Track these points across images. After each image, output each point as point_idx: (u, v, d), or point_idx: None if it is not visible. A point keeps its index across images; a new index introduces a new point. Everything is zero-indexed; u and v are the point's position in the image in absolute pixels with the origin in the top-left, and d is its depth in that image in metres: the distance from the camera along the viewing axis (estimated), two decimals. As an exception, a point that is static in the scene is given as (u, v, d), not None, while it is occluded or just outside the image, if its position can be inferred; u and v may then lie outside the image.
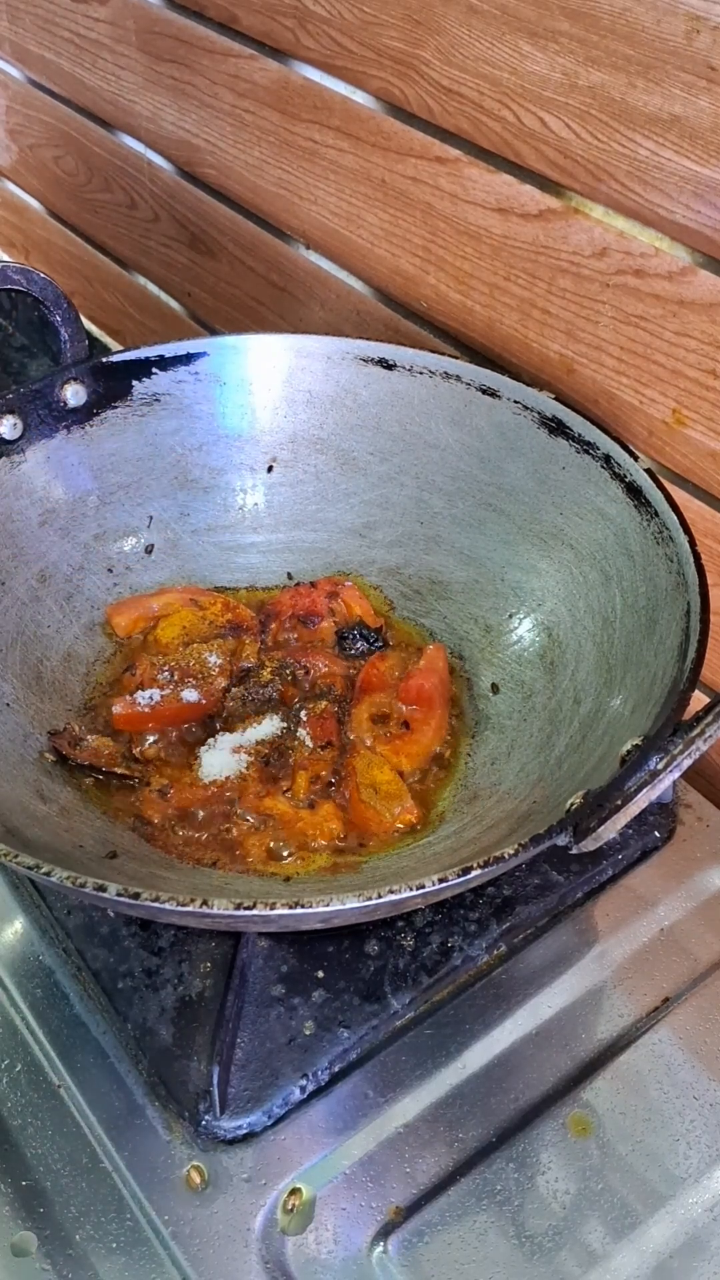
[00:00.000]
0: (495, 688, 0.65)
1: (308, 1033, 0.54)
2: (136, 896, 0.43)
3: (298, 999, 0.55)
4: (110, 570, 0.71)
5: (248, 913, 0.42)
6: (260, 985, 0.56)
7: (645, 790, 0.45)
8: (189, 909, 0.42)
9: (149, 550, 0.72)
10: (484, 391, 0.67)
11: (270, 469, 0.73)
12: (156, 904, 0.43)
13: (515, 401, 0.66)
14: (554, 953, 0.58)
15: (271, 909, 0.42)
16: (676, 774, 0.45)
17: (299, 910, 0.42)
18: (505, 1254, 0.48)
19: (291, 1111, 0.53)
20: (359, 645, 0.68)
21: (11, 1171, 0.51)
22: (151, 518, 0.72)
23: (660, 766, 0.44)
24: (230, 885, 0.57)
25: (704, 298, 0.60)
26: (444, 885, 0.44)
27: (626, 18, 0.57)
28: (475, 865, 0.44)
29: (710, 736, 0.45)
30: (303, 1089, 0.53)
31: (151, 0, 0.90)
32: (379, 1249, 0.49)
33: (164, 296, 1.09)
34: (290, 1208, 0.50)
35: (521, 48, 0.63)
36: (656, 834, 0.63)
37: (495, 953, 0.58)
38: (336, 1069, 0.54)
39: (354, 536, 0.73)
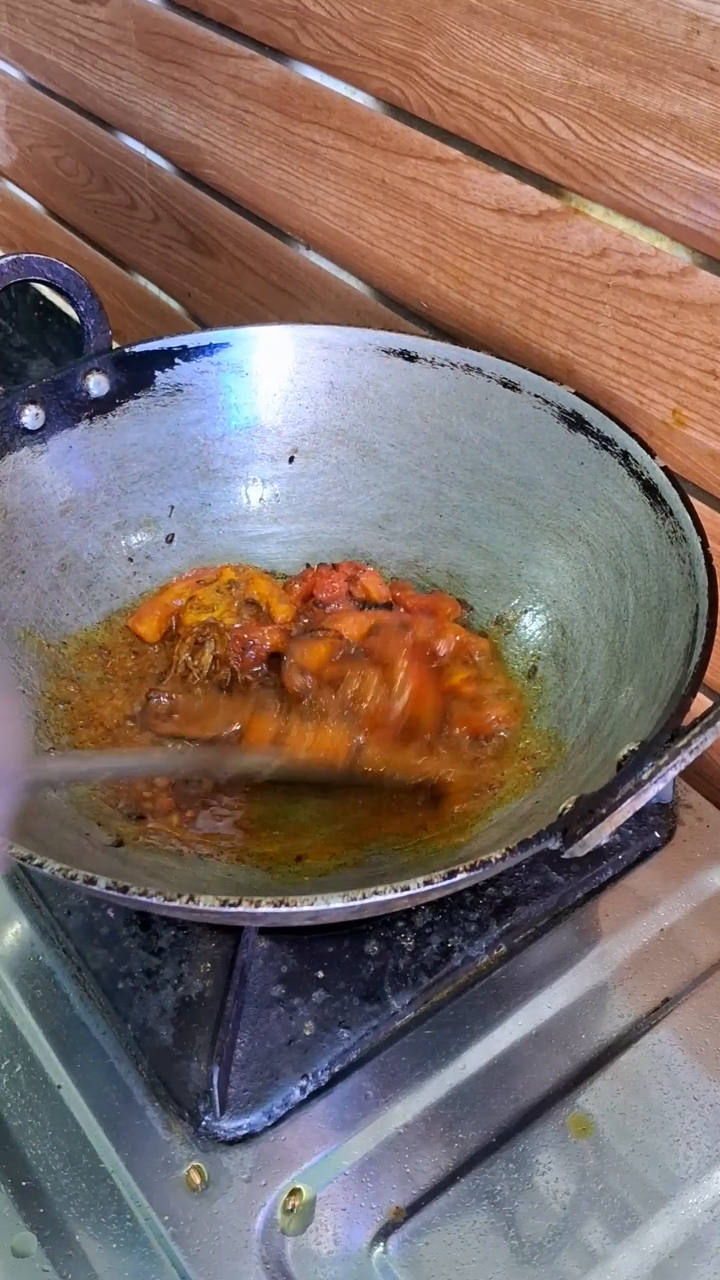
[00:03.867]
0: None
1: (308, 1033, 0.54)
2: (125, 890, 0.43)
3: (298, 999, 0.55)
4: (130, 559, 0.71)
5: (234, 909, 0.42)
6: (260, 985, 0.56)
7: (630, 799, 0.44)
8: (176, 904, 0.43)
9: (170, 540, 0.72)
10: (504, 385, 0.67)
11: (291, 459, 0.73)
12: (144, 898, 0.43)
13: (535, 395, 0.66)
14: (554, 953, 0.58)
15: (257, 906, 0.42)
16: (661, 785, 0.44)
17: (284, 909, 0.42)
18: (505, 1254, 0.48)
19: (291, 1112, 0.53)
20: None
21: (11, 1171, 0.51)
22: (173, 507, 0.73)
23: (646, 776, 0.44)
24: (232, 878, 0.57)
25: (704, 298, 0.60)
26: (430, 888, 0.44)
27: (626, 18, 0.57)
28: (462, 869, 0.44)
29: (697, 748, 0.44)
30: (303, 1089, 0.53)
31: (151, 0, 0.90)
32: (379, 1249, 0.49)
33: (164, 297, 1.09)
34: (290, 1208, 0.50)
35: (522, 48, 0.63)
36: (656, 834, 0.63)
37: (495, 953, 0.58)
38: (336, 1069, 0.54)
39: (373, 528, 0.73)
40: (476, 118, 0.68)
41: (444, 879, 0.44)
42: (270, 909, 0.42)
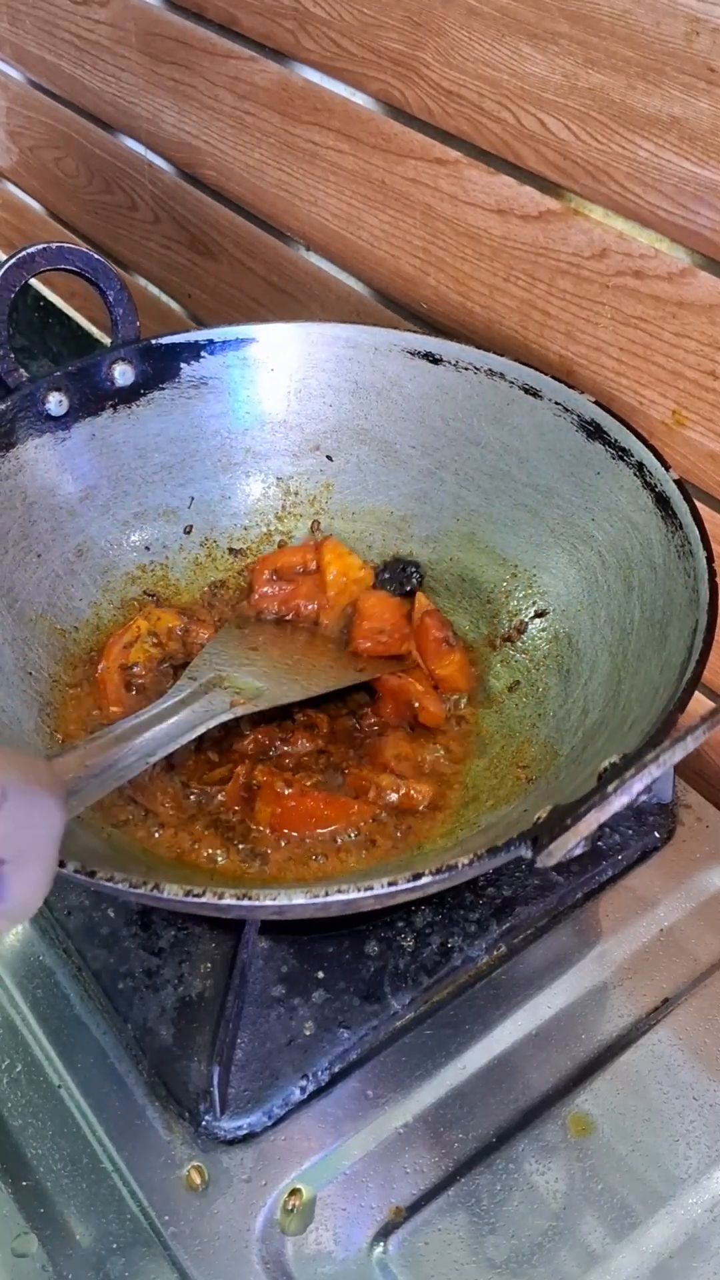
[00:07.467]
0: (510, 690, 0.65)
1: (308, 1033, 0.54)
2: (92, 874, 0.43)
3: (298, 999, 0.55)
4: (148, 548, 0.72)
5: (198, 899, 0.43)
6: (260, 985, 0.56)
7: (595, 811, 0.43)
8: (141, 891, 0.43)
9: (188, 531, 0.73)
10: (526, 391, 0.67)
11: (330, 457, 0.74)
12: (110, 883, 0.43)
13: (556, 403, 0.66)
14: (554, 953, 0.58)
15: (220, 898, 0.42)
16: (626, 798, 0.43)
17: (246, 902, 0.43)
18: (505, 1254, 0.48)
19: (291, 1112, 0.53)
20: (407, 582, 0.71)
21: (11, 1171, 0.51)
22: (193, 499, 0.73)
23: (611, 790, 0.43)
24: (218, 873, 0.57)
25: (703, 299, 0.60)
26: (394, 889, 0.43)
27: (626, 20, 0.57)
28: (427, 872, 0.44)
29: (665, 763, 0.44)
30: (303, 1089, 0.53)
31: (152, 2, 0.90)
32: (379, 1249, 0.49)
33: (164, 298, 1.09)
34: (290, 1208, 0.50)
35: (521, 50, 0.63)
36: (656, 834, 0.63)
37: (495, 953, 0.58)
38: (336, 1069, 0.54)
39: (391, 529, 0.73)
40: (476, 119, 0.68)
41: (408, 881, 0.43)
42: (234, 901, 0.42)
